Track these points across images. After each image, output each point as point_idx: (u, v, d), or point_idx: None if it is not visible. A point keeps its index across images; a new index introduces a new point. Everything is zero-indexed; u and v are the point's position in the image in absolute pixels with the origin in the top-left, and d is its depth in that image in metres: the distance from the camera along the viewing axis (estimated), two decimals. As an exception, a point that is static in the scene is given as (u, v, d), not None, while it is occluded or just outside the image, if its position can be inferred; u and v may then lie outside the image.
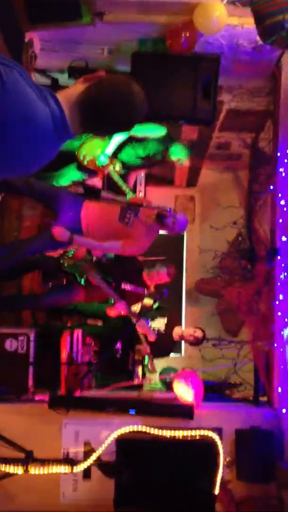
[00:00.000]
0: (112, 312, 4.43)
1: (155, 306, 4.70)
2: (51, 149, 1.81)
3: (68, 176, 4.65)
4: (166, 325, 4.72)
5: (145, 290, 4.55)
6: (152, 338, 4.46)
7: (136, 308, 4.51)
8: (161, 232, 4.12)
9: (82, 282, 4.51)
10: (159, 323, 4.69)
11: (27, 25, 3.87)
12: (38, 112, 1.69)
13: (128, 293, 4.41)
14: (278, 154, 4.36)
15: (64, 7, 3.82)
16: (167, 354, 5.06)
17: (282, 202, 4.23)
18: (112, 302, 4.38)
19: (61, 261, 4.42)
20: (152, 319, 4.65)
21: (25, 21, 3.83)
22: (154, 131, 4.56)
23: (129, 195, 4.57)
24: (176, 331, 4.77)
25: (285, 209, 4.20)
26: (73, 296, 4.58)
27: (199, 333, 4.71)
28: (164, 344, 4.73)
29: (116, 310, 4.33)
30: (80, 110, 1.77)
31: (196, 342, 4.77)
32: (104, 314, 4.52)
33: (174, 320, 4.91)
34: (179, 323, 5.12)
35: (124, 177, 4.83)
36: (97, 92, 1.76)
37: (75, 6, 3.83)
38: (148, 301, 4.64)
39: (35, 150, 1.75)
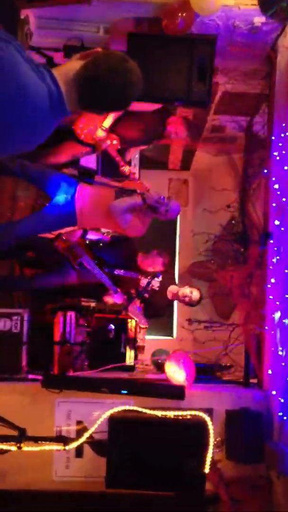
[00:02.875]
0: (110, 300, 4.42)
1: None
2: (47, 125, 1.81)
3: (68, 151, 4.60)
4: (161, 282, 4.63)
5: (139, 275, 4.51)
6: (143, 323, 4.44)
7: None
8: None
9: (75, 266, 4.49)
10: (154, 281, 4.61)
11: (22, 2, 3.82)
12: (34, 88, 1.69)
13: (121, 278, 4.41)
14: (273, 138, 4.36)
15: (60, -16, 3.78)
16: (160, 315, 4.90)
17: (276, 186, 4.24)
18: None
19: (56, 244, 4.40)
20: (145, 277, 4.57)
21: (21, -2, 3.78)
22: (151, 104, 4.53)
23: (127, 168, 4.55)
24: (171, 289, 4.67)
25: (278, 193, 4.21)
26: (66, 278, 4.58)
27: (195, 295, 4.52)
28: (158, 304, 4.62)
29: (110, 297, 4.32)
30: (77, 87, 1.76)
31: (190, 304, 4.67)
32: (97, 295, 4.52)
33: (169, 279, 4.85)
34: (174, 282, 5.02)
35: (122, 152, 4.79)
36: (95, 69, 1.76)
37: (71, -17, 3.79)
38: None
39: (30, 126, 1.75)
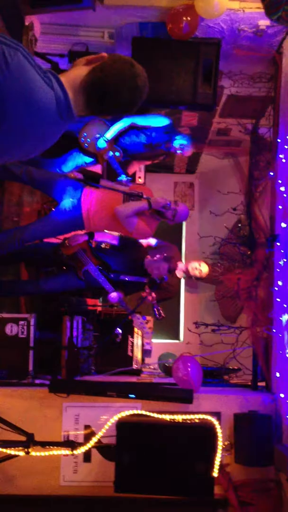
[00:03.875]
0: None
1: (154, 245, 4.71)
2: (54, 131, 1.81)
3: (72, 162, 4.63)
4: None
5: (147, 279, 4.42)
6: (147, 337, 4.45)
7: None
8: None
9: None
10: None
11: (27, 8, 3.85)
12: (42, 93, 1.69)
13: (128, 283, 4.38)
14: (279, 141, 4.35)
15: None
16: (174, 294, 4.87)
17: (282, 189, 4.23)
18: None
19: (60, 251, 4.39)
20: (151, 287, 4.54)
21: (25, 5, 3.81)
22: (158, 121, 4.54)
23: (125, 181, 4.55)
24: (180, 267, 4.66)
25: (285, 195, 4.20)
26: (72, 283, 4.57)
27: (204, 267, 4.56)
28: (169, 283, 4.58)
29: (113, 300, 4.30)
30: (85, 92, 1.77)
31: (201, 277, 4.65)
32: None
33: (175, 256, 4.81)
34: (180, 259, 4.99)
35: (125, 165, 4.81)
36: (102, 75, 1.77)
37: (75, -11, 3.81)
38: (148, 241, 4.63)
39: (38, 132, 1.76)
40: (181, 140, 4.66)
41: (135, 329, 4.78)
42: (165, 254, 4.56)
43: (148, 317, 5.10)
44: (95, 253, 4.35)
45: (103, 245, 4.59)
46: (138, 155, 4.82)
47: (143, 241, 4.69)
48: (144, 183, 5.44)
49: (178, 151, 4.68)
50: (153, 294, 4.37)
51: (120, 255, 4.47)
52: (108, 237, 4.50)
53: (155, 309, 4.30)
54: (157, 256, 4.49)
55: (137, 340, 4.76)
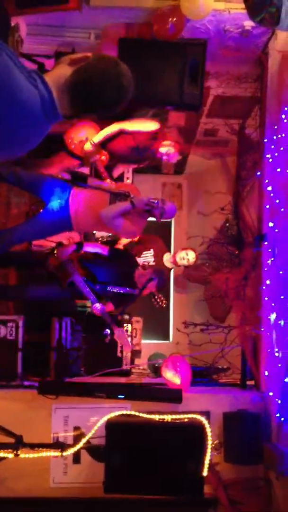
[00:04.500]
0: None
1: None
2: (40, 131, 1.81)
3: (58, 163, 4.63)
4: (154, 256, 4.60)
5: (137, 290, 4.33)
6: (127, 348, 4.45)
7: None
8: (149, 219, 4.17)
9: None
10: (146, 257, 4.60)
11: (13, 9, 3.83)
12: (27, 93, 1.69)
13: (116, 295, 4.31)
14: (265, 141, 4.38)
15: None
16: (167, 280, 4.83)
17: (269, 188, 4.25)
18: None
19: (48, 262, 4.36)
20: (139, 256, 4.55)
21: (11, 5, 3.79)
22: (145, 126, 4.55)
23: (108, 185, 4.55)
24: (167, 258, 4.66)
25: (271, 195, 4.23)
26: (57, 292, 4.53)
27: (192, 255, 4.59)
28: (159, 271, 4.51)
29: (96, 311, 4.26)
30: (70, 92, 1.77)
31: (189, 265, 4.68)
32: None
33: (161, 247, 4.81)
34: (167, 250, 4.99)
35: (110, 168, 4.81)
36: (86, 74, 1.77)
37: (61, -10, 3.80)
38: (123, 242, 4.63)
39: (23, 131, 1.75)
40: (167, 146, 4.68)
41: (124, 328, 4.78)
42: (154, 271, 4.46)
43: (138, 318, 5.10)
44: (82, 264, 4.32)
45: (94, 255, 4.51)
46: (123, 158, 4.83)
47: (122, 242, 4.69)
48: (131, 184, 5.44)
49: (164, 157, 4.70)
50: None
51: (110, 266, 4.42)
52: (98, 247, 4.46)
53: (155, 298, 4.30)
54: (147, 271, 4.40)
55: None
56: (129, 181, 5.40)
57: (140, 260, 4.51)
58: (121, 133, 4.57)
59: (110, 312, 4.25)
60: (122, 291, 4.24)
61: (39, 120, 1.75)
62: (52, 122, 1.80)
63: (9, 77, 1.65)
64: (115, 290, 4.25)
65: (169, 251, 4.86)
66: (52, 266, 4.28)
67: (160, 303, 4.38)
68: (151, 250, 4.61)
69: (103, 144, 4.59)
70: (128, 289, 4.28)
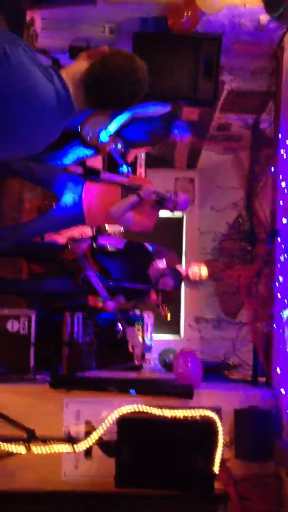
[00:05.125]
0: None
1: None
2: (56, 127, 1.81)
3: (73, 154, 4.62)
4: (167, 265, 4.58)
5: (151, 287, 4.34)
6: (137, 348, 4.44)
7: None
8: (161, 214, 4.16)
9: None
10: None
11: (28, 3, 3.83)
12: (43, 89, 1.69)
13: (129, 290, 4.31)
14: (280, 136, 4.34)
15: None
16: (174, 297, 4.82)
17: (283, 184, 4.22)
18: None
19: (63, 256, 4.36)
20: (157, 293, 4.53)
21: (27, 0, 3.79)
22: (157, 109, 4.52)
23: (127, 172, 4.54)
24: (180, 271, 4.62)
25: (286, 191, 4.20)
26: (70, 286, 4.54)
27: (204, 270, 4.49)
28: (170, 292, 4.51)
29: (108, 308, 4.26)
30: (85, 87, 1.77)
31: (201, 280, 4.59)
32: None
33: (173, 260, 4.79)
34: (179, 262, 4.94)
35: (124, 155, 4.80)
36: (102, 69, 1.77)
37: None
38: None
39: (39, 127, 1.76)
40: (179, 126, 4.66)
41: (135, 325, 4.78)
42: (170, 268, 4.44)
43: (149, 313, 5.09)
44: (96, 259, 4.31)
45: (109, 248, 4.50)
46: (138, 143, 4.80)
47: None
48: (144, 177, 5.42)
49: (178, 138, 4.68)
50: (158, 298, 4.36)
51: (124, 261, 4.39)
52: (113, 240, 4.45)
53: (159, 308, 4.29)
54: (163, 267, 4.38)
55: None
56: (142, 167, 5.36)
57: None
58: (134, 118, 4.55)
59: (122, 307, 4.25)
60: (135, 287, 4.24)
61: (55, 115, 1.75)
62: (68, 117, 1.80)
63: (26, 72, 1.65)
64: (128, 286, 4.25)
65: (181, 263, 4.80)
66: (66, 260, 4.28)
67: (164, 313, 4.37)
68: (163, 260, 4.56)
69: (118, 132, 4.57)
70: (141, 285, 4.27)
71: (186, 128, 4.66)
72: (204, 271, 4.48)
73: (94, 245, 4.30)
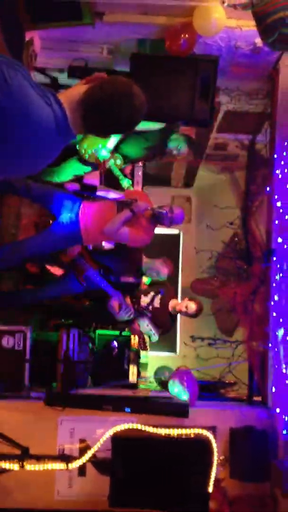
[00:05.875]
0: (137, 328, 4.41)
1: (148, 281, 4.70)
2: (54, 149, 1.84)
3: (70, 170, 4.66)
4: (161, 299, 4.63)
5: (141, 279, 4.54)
6: (154, 338, 4.44)
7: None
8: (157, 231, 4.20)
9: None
10: (153, 298, 4.58)
11: (28, 24, 3.89)
12: (41, 113, 1.72)
13: (129, 285, 4.41)
14: (275, 156, 4.40)
15: (65, 7, 3.85)
16: (167, 331, 4.79)
17: (279, 204, 4.27)
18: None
19: (60, 259, 4.40)
20: (145, 295, 4.60)
21: (26, 20, 3.85)
22: (154, 123, 4.57)
23: (127, 186, 4.60)
24: (171, 304, 4.68)
25: (281, 210, 4.24)
26: (71, 289, 4.57)
27: (191, 307, 4.44)
28: (161, 320, 4.57)
29: (116, 307, 4.33)
30: (82, 111, 1.80)
31: (190, 315, 4.61)
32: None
33: (169, 293, 4.82)
34: (175, 296, 4.98)
35: (123, 170, 4.84)
36: (99, 94, 1.80)
37: (76, 6, 3.86)
38: (142, 280, 4.66)
39: (38, 151, 1.78)
40: (176, 140, 4.71)
41: (132, 342, 4.77)
42: (163, 260, 4.59)
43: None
44: (93, 257, 4.36)
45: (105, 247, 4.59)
46: (137, 159, 4.86)
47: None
48: (140, 191, 5.45)
49: (174, 151, 4.73)
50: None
51: (118, 256, 4.46)
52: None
53: (140, 340, 4.32)
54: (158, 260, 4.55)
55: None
56: (139, 185, 5.40)
57: (145, 299, 4.52)
58: (131, 133, 4.60)
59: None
60: (133, 281, 4.29)
61: (53, 138, 1.78)
62: (66, 140, 1.83)
63: (25, 97, 1.68)
64: (127, 281, 4.30)
65: (177, 297, 4.87)
66: (64, 263, 4.32)
67: (143, 346, 4.40)
68: (161, 294, 4.61)
69: (115, 148, 4.63)
70: (135, 278, 4.34)
71: (183, 141, 4.71)
72: (191, 306, 4.45)
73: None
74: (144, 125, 4.54)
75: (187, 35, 4.12)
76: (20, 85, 1.67)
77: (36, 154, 1.79)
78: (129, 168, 5.17)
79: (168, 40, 4.20)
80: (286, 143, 4.29)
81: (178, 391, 4.07)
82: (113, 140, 4.48)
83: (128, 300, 4.40)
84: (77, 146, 4.51)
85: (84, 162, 4.61)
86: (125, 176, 4.74)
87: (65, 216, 4.06)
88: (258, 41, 4.21)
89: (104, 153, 4.47)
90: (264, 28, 3.29)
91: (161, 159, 5.37)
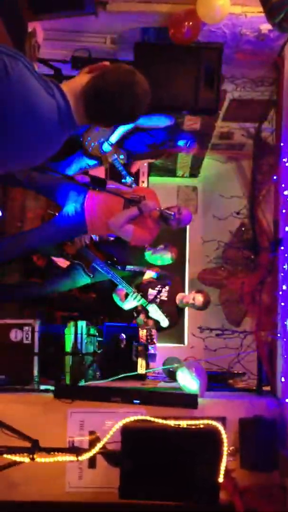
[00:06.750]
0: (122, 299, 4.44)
1: (154, 276, 4.70)
2: (56, 140, 1.82)
3: (75, 163, 4.64)
4: (169, 292, 4.64)
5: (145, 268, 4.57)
6: (164, 323, 4.43)
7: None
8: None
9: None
10: (160, 290, 4.59)
11: (30, 15, 3.86)
12: (43, 104, 1.70)
13: (135, 273, 4.41)
14: (282, 144, 4.35)
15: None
16: (174, 324, 4.79)
17: (286, 193, 4.22)
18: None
19: (64, 251, 4.40)
20: (153, 288, 4.59)
21: (28, 11, 3.81)
22: (161, 121, 4.54)
23: (129, 184, 4.57)
24: (178, 297, 4.68)
25: (288, 199, 4.20)
26: (78, 280, 4.56)
27: (199, 299, 4.47)
28: (168, 312, 4.56)
29: (122, 296, 4.35)
30: (85, 101, 1.77)
31: (198, 308, 4.63)
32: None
33: (177, 287, 4.82)
34: (183, 289, 4.99)
35: (127, 166, 4.81)
36: (102, 83, 1.77)
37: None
38: (149, 274, 4.65)
39: (40, 141, 1.76)
40: (184, 138, 4.67)
41: (140, 333, 4.76)
42: (164, 245, 4.59)
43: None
44: (99, 248, 4.36)
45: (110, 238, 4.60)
46: (141, 155, 4.82)
47: (144, 277, 4.70)
48: (147, 186, 5.43)
49: (184, 150, 4.69)
50: (150, 322, 4.40)
51: (122, 244, 4.45)
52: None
53: (147, 333, 4.32)
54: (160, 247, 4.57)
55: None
56: (144, 185, 5.39)
57: (152, 292, 4.52)
58: (136, 129, 4.57)
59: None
60: (137, 270, 4.30)
61: (56, 129, 1.76)
62: (68, 131, 1.80)
63: (26, 87, 1.65)
64: (132, 270, 4.30)
65: (184, 291, 4.88)
66: (71, 255, 4.32)
67: (150, 340, 4.40)
68: (167, 287, 4.61)
69: (120, 143, 4.60)
70: (139, 267, 4.37)
71: (191, 140, 4.67)
72: (198, 298, 4.44)
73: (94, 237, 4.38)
74: (151, 122, 4.51)
75: (191, 23, 4.07)
76: (21, 76, 1.64)
77: (38, 146, 1.77)
78: (136, 168, 5.14)
79: (172, 28, 4.15)
80: (292, 131, 4.24)
81: (187, 380, 4.05)
82: (116, 135, 4.46)
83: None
84: (81, 138, 4.48)
85: (88, 155, 4.59)
86: (130, 173, 4.71)
87: (70, 207, 4.05)
88: (263, 27, 4.16)
89: (106, 147, 4.45)
90: (270, 8, 3.22)
91: (167, 157, 5.34)
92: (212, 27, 4.21)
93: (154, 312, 4.31)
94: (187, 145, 4.70)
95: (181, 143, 4.68)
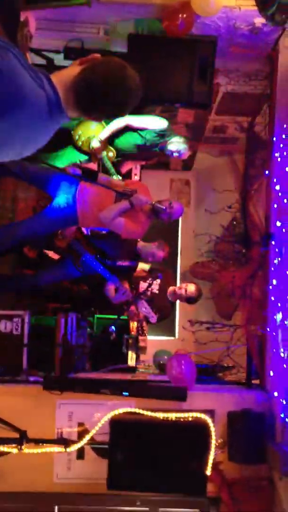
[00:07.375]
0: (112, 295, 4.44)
1: (147, 268, 4.72)
2: (46, 132, 1.80)
3: (66, 157, 4.62)
4: (160, 285, 4.65)
5: (137, 263, 4.60)
6: (152, 320, 4.44)
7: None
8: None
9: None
10: (151, 283, 4.61)
11: (22, 4, 3.82)
12: (33, 94, 1.68)
13: (124, 268, 4.41)
14: (274, 139, 4.35)
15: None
16: (164, 317, 4.89)
17: (277, 187, 4.23)
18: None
19: (55, 244, 4.39)
20: (144, 281, 4.59)
21: (21, 0, 3.78)
22: (153, 123, 4.51)
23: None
24: (170, 290, 4.70)
25: (280, 194, 4.21)
26: (70, 273, 4.56)
27: (190, 289, 4.56)
28: (160, 305, 4.63)
29: (112, 290, 4.35)
30: (75, 93, 1.76)
31: (189, 299, 4.67)
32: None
33: (168, 280, 4.83)
34: (174, 283, 5.04)
35: (118, 164, 4.80)
36: (92, 75, 1.75)
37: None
38: (142, 266, 4.66)
39: (29, 133, 1.75)
40: (177, 142, 4.62)
41: (131, 326, 4.77)
42: (158, 243, 4.60)
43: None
44: (89, 242, 4.35)
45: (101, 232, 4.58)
46: (130, 155, 4.80)
47: (137, 269, 4.71)
48: (139, 180, 5.42)
49: (175, 154, 4.66)
50: (140, 314, 4.41)
51: (113, 239, 4.44)
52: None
53: (139, 325, 4.34)
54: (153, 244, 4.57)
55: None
56: (136, 177, 5.38)
57: (143, 285, 4.53)
58: (127, 128, 4.55)
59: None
60: (129, 265, 4.29)
61: (45, 120, 1.74)
62: (58, 123, 1.79)
63: (15, 77, 1.64)
64: (123, 264, 4.30)
65: (175, 284, 4.91)
66: (60, 248, 4.32)
67: (141, 331, 4.42)
68: (158, 280, 4.62)
69: (110, 141, 4.58)
70: (131, 262, 4.41)
71: (184, 143, 4.64)
72: (190, 288, 4.53)
73: (85, 231, 4.36)
74: (144, 122, 4.49)
75: (185, 15, 4.06)
76: (10, 65, 1.63)
77: (27, 136, 1.75)
78: (127, 167, 5.11)
79: (166, 20, 4.13)
80: (285, 126, 4.23)
81: (176, 374, 4.05)
82: (106, 131, 4.45)
83: (126, 284, 4.40)
84: (72, 132, 4.47)
85: (79, 150, 4.58)
86: (118, 172, 4.70)
87: (61, 198, 4.04)
88: (257, 21, 4.15)
89: (95, 142, 4.44)
90: (262, 0, 3.19)
91: (159, 159, 5.32)
92: (206, 20, 4.19)
93: (143, 309, 4.30)
94: (179, 152, 4.65)
95: (172, 146, 4.63)
